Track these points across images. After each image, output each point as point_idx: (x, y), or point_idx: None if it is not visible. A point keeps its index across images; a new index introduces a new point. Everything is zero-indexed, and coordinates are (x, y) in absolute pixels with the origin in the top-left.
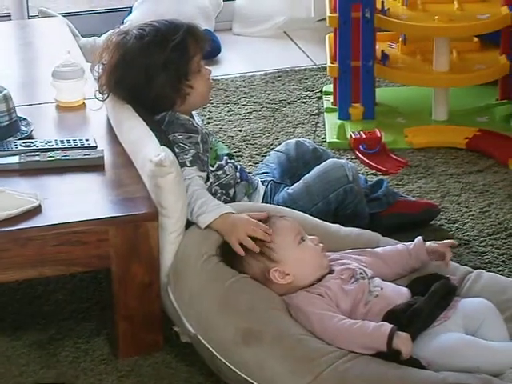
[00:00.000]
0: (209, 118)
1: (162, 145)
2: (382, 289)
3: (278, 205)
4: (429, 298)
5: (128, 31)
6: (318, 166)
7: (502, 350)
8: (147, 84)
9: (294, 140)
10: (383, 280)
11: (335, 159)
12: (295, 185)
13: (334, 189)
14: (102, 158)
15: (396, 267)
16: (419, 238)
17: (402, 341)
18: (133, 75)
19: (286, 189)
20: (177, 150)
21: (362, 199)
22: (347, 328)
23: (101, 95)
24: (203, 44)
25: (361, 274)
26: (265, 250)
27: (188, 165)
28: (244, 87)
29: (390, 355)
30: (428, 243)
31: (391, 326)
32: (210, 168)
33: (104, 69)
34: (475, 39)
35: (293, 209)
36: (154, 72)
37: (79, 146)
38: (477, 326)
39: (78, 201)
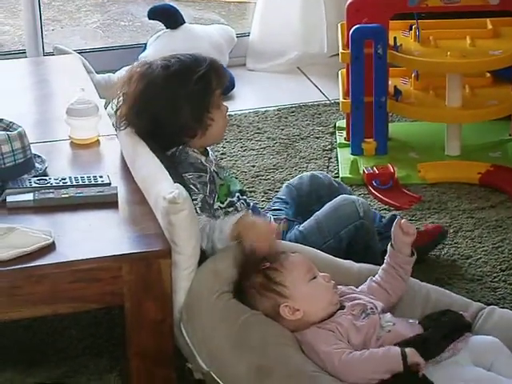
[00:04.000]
0: (222, 154)
1: (175, 182)
2: (394, 324)
3: (290, 241)
4: (437, 327)
5: (152, 62)
6: (330, 203)
7: None
8: (170, 114)
9: (309, 173)
10: (394, 316)
11: (346, 195)
12: (306, 222)
13: (344, 225)
14: (116, 194)
15: (395, 289)
16: (389, 247)
17: (414, 355)
18: (156, 105)
19: (297, 226)
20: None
21: (373, 235)
22: (358, 358)
23: (118, 127)
24: (224, 79)
25: (371, 308)
26: (275, 286)
27: (198, 212)
28: (257, 123)
29: (405, 377)
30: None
31: (397, 347)
32: (220, 205)
33: (125, 99)
34: (488, 74)
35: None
36: (178, 102)
37: (93, 183)
38: (488, 366)
39: (91, 238)
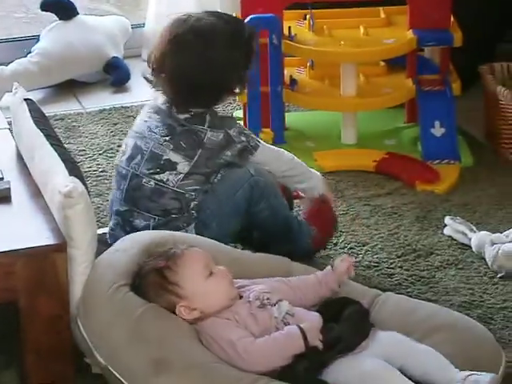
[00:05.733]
0: (118, 146)
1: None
2: (293, 315)
3: None
4: (346, 324)
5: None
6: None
7: None
8: (214, 77)
9: None
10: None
11: None
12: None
13: (238, 187)
14: (9, 189)
15: (306, 298)
16: (329, 267)
17: (313, 334)
18: (196, 70)
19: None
20: (244, 139)
21: (275, 193)
22: (262, 345)
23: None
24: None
25: (267, 299)
26: (171, 287)
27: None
28: None
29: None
30: (336, 268)
31: (295, 326)
32: None
33: (156, 58)
34: (382, 63)
35: (203, 217)
36: (223, 66)
37: None
38: (392, 358)
39: None
